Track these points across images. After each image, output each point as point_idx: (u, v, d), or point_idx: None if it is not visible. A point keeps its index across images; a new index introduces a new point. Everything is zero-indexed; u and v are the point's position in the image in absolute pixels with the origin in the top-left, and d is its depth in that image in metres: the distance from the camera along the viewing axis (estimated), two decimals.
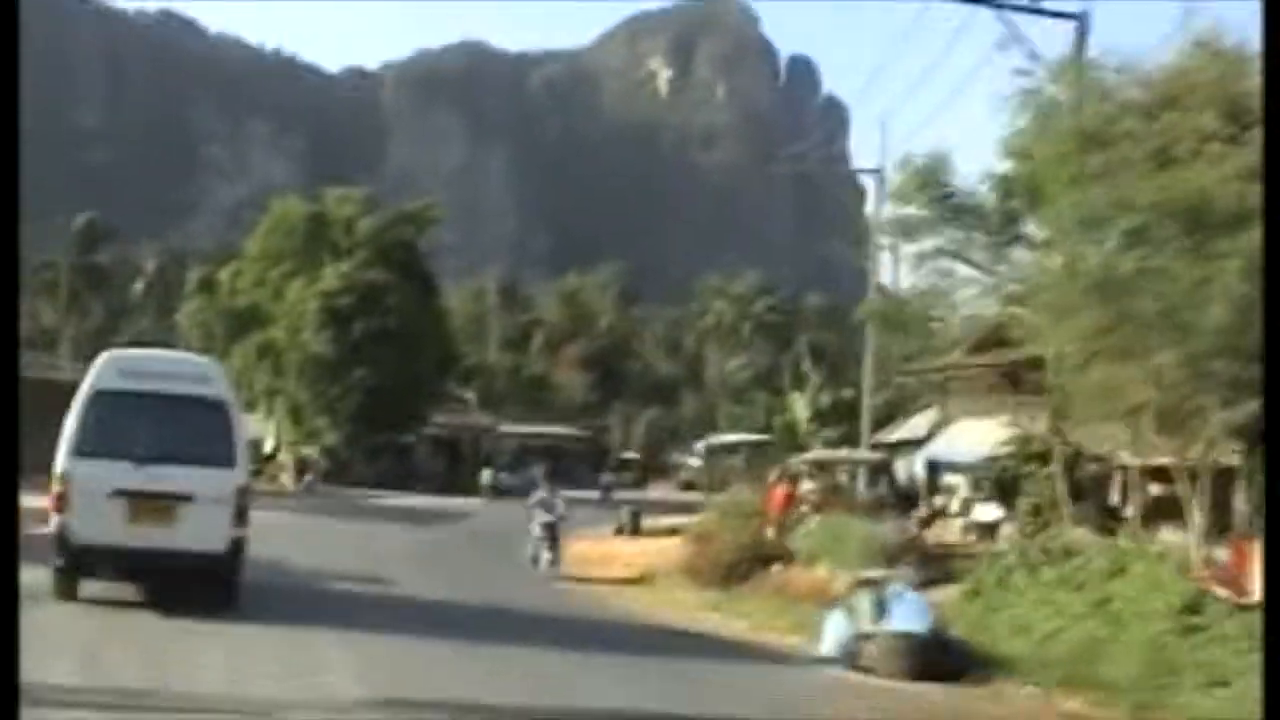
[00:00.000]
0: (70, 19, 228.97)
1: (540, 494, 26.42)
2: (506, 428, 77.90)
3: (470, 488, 59.91)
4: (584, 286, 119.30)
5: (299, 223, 62.16)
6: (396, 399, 59.16)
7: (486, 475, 59.82)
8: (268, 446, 59.03)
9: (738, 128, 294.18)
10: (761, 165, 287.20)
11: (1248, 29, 14.12)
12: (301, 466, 58.69)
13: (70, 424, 13.96)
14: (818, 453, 42.26)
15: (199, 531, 13.90)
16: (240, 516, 14.17)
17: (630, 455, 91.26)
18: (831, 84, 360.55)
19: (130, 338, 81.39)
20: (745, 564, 24.44)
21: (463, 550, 31.94)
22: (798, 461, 38.29)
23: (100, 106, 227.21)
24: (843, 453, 41.08)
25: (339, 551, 25.44)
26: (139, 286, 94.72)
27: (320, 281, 59.16)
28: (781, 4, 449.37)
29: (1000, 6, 22.27)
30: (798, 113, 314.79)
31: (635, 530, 37.79)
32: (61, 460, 13.91)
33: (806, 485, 32.63)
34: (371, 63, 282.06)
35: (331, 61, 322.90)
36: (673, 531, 32.21)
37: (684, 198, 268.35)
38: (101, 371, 14.36)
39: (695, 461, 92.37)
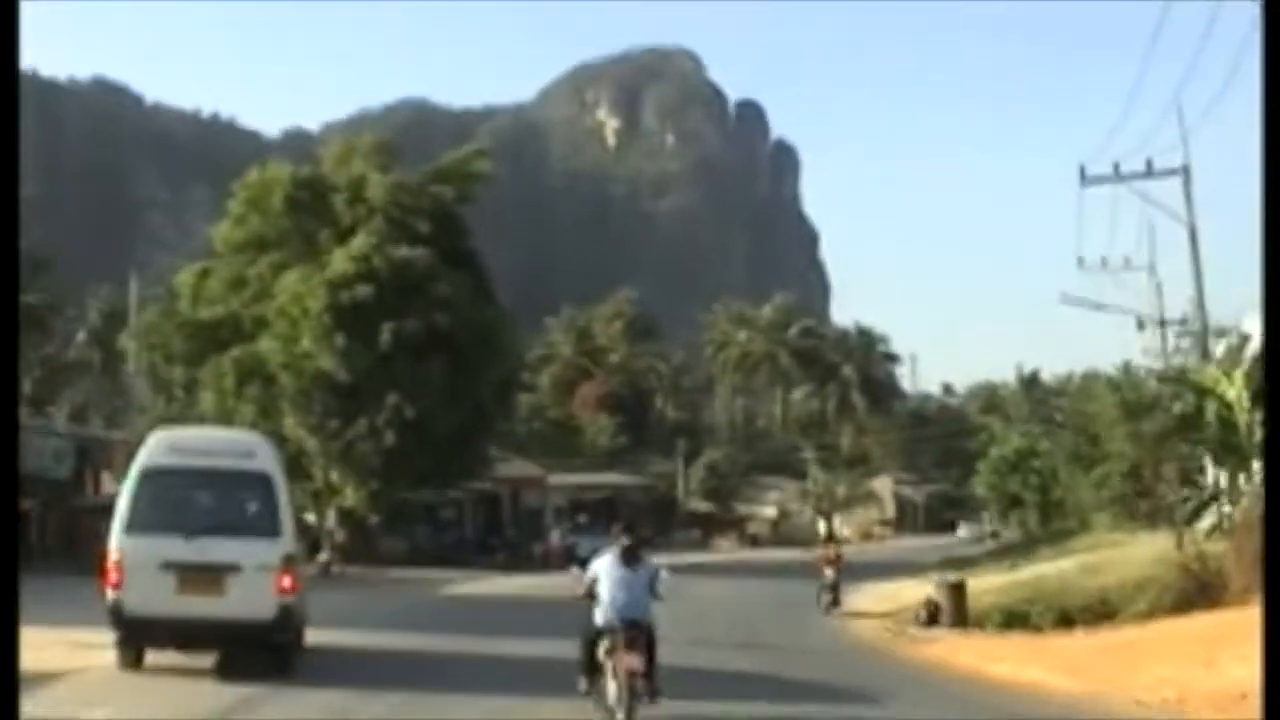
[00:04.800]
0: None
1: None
2: (555, 479, 59.38)
3: (539, 559, 46.50)
4: (592, 319, 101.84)
5: (287, 193, 42.96)
6: (450, 439, 40.31)
7: (557, 537, 48.02)
8: None
9: (688, 174, 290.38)
10: (714, 210, 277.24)
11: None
12: (311, 541, 40.44)
13: (122, 502, 14.03)
14: None
15: (247, 600, 13.72)
16: (288, 584, 13.74)
17: (699, 508, 73.81)
18: (781, 127, 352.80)
19: (77, 393, 66.66)
20: None
21: None
22: None
23: (40, 175, 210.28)
24: None
25: None
26: (81, 338, 77.66)
27: (325, 269, 40.09)
28: (728, 48, 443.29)
29: None
30: (749, 157, 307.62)
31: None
32: (114, 537, 13.86)
33: None
34: (311, 124, 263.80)
35: (271, 124, 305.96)
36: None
37: (638, 246, 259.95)
38: (151, 449, 14.38)
39: (770, 511, 76.27)
